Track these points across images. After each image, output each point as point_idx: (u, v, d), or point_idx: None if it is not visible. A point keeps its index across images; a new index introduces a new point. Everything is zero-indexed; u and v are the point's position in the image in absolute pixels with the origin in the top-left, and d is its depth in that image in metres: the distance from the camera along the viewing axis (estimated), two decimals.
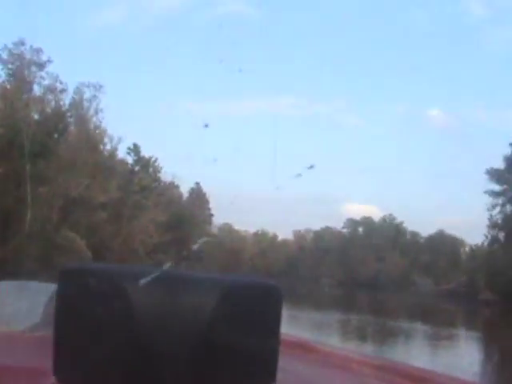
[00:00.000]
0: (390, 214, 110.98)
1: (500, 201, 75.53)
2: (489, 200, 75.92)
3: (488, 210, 75.65)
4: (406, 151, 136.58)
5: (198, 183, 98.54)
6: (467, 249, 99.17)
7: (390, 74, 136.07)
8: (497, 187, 75.73)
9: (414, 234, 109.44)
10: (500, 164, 75.20)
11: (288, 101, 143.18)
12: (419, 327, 40.07)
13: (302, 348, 2.53)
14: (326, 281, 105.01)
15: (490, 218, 75.83)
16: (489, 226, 76.22)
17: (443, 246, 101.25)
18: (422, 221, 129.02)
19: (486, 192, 75.68)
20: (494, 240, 76.48)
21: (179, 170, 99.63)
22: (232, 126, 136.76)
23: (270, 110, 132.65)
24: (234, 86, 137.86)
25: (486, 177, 75.60)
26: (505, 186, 74.90)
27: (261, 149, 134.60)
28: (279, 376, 1.70)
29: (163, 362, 1.22)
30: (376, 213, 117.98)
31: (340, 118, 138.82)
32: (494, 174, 74.74)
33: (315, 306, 53.69)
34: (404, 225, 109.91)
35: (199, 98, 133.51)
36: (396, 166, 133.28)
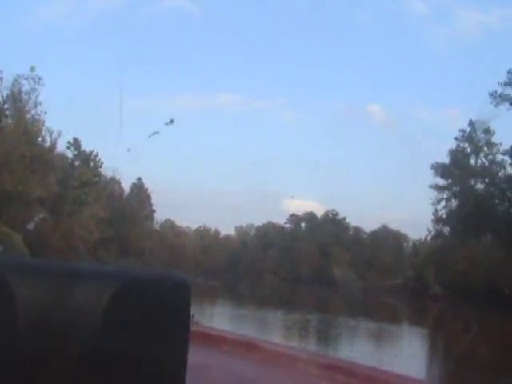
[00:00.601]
0: (333, 210, 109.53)
1: (445, 195, 74.44)
2: (433, 194, 74.89)
3: (433, 204, 74.58)
4: (347, 147, 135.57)
5: (139, 178, 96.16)
6: (410, 244, 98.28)
7: (330, 70, 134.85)
8: (442, 181, 74.71)
9: (357, 230, 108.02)
10: (443, 159, 74.42)
11: (229, 98, 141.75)
12: (367, 324, 38.38)
13: (246, 346, 2.46)
14: (270, 276, 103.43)
15: (435, 213, 74.74)
16: (433, 221, 75.12)
17: (387, 241, 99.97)
18: (365, 217, 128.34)
19: (430, 186, 74.59)
20: (438, 234, 75.37)
21: (121, 166, 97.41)
22: (175, 122, 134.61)
23: (212, 106, 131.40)
24: (175, 83, 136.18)
25: (429, 172, 74.59)
26: (450, 181, 73.80)
27: (203, 144, 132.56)
28: (221, 376, 2.00)
29: (47, 372, 1.05)
30: (318, 209, 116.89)
31: (281, 114, 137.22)
32: (440, 169, 73.53)
33: (257, 303, 51.82)
34: (347, 220, 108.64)
35: (141, 94, 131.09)
36: (338, 162, 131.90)
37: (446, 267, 62.65)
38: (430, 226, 76.94)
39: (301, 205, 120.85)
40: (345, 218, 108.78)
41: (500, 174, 70.58)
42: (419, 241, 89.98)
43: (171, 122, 39.10)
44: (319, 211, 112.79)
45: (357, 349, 25.20)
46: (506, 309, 47.91)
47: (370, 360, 20.14)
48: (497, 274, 55.51)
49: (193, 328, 2.70)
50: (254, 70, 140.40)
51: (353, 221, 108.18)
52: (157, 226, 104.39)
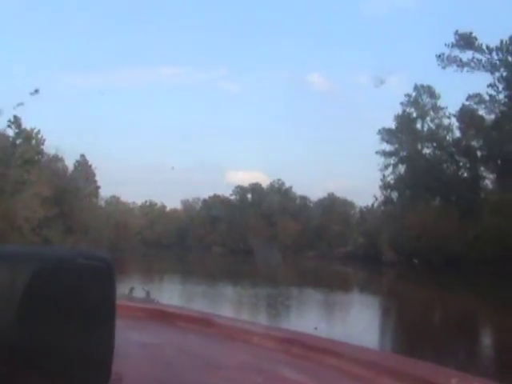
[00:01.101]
0: (279, 179, 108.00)
1: (392, 161, 73.40)
2: (380, 160, 73.83)
3: (380, 170, 73.53)
4: (290, 117, 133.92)
5: (83, 155, 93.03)
6: (357, 211, 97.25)
7: (270, 39, 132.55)
8: (388, 147, 73.66)
9: (304, 199, 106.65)
10: (387, 125, 73.42)
11: (170, 70, 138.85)
12: (330, 296, 36.90)
13: (202, 322, 2.45)
14: (218, 249, 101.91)
15: (383, 179, 73.71)
16: (381, 187, 74.12)
17: (334, 208, 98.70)
18: (311, 186, 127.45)
19: (377, 152, 73.51)
20: (387, 200, 74.44)
21: (65, 143, 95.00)
22: (115, 96, 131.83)
23: (152, 80, 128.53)
24: (114, 58, 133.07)
25: (373, 139, 73.75)
26: (396, 146, 72.75)
27: (146, 118, 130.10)
28: (174, 354, 1.99)
29: None
30: (263, 179, 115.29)
31: (222, 86, 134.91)
32: (386, 134, 72.41)
33: (205, 277, 50.12)
34: (293, 190, 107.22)
35: (80, 69, 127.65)
36: (282, 132, 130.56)
37: (399, 233, 61.60)
38: (377, 193, 76.31)
39: (245, 176, 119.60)
40: (291, 188, 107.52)
41: (448, 137, 69.78)
42: (366, 207, 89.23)
43: (36, 91, 39.14)
44: (264, 182, 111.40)
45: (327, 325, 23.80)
46: (460, 270, 47.24)
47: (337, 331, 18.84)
48: (448, 237, 54.67)
49: (149, 306, 2.84)
50: (194, 41, 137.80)
51: (299, 191, 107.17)
52: (102, 203, 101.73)
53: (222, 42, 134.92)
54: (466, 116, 63.43)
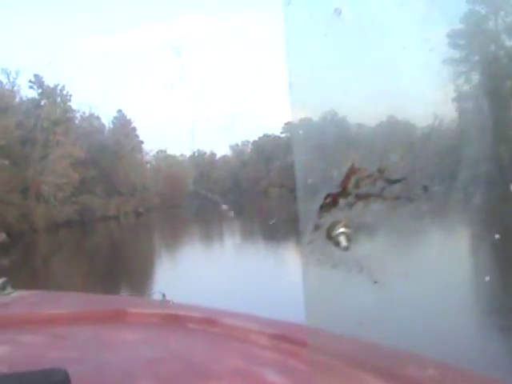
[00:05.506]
0: (331, 110, 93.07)
1: (464, 68, 58.37)
2: (450, 69, 59.01)
3: (453, 80, 58.68)
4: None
5: (120, 110, 79.60)
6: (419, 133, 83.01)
7: None
8: (458, 53, 58.80)
9: (360, 126, 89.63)
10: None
11: (191, 19, 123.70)
12: None
13: (207, 323, 2.38)
14: (275, 190, 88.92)
15: (456, 89, 58.85)
16: (455, 99, 59.25)
17: (395, 133, 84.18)
18: (362, 113, 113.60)
19: (444, 61, 58.64)
20: (464, 112, 59.74)
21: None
22: (137, 55, 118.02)
23: (173, 33, 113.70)
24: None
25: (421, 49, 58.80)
26: (466, 51, 57.93)
27: (177, 72, 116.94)
28: (172, 367, 1.92)
29: None
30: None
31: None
32: (456, 37, 57.31)
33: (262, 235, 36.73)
34: (347, 119, 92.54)
35: (99, 29, 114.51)
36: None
37: None
38: (436, 111, 62.15)
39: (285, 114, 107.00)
40: (345, 117, 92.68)
41: None
42: (427, 127, 74.83)
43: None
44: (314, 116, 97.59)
45: None
46: None
47: None
48: None
49: (162, 311, 2.68)
50: None
51: (352, 120, 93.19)
52: (147, 158, 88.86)
53: None
54: None
